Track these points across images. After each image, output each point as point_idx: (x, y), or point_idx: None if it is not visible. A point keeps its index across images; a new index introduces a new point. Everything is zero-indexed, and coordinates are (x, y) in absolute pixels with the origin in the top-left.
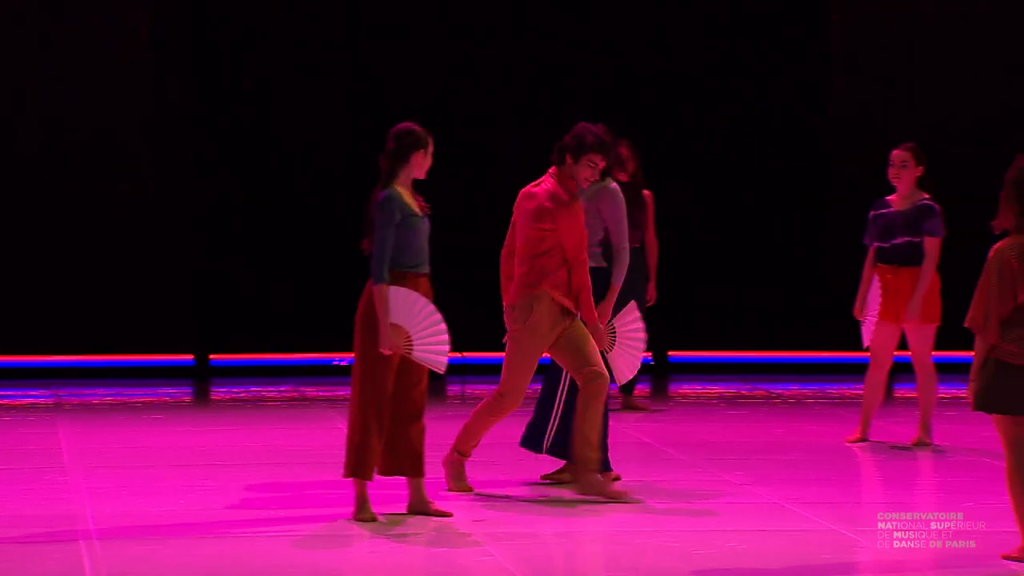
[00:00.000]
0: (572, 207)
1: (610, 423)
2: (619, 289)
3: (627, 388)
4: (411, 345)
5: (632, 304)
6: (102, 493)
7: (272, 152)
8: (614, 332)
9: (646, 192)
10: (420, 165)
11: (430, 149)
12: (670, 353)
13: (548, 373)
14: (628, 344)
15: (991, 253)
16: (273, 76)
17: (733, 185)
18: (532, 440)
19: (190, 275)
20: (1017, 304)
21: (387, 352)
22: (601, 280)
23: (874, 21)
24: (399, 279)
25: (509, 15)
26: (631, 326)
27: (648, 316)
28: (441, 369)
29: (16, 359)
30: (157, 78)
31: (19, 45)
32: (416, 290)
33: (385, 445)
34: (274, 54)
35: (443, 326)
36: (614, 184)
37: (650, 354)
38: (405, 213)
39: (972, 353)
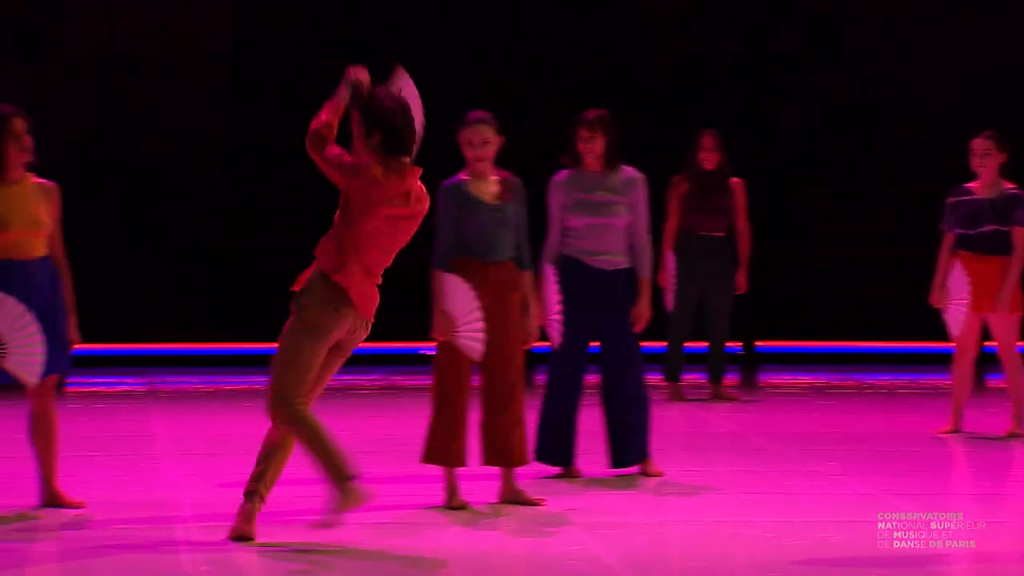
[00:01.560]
0: None
1: (685, 414)
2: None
3: (716, 378)
4: (456, 332)
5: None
6: (194, 480)
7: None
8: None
9: (735, 180)
10: (466, 149)
11: (472, 134)
12: (757, 343)
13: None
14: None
15: None
16: (273, 76)
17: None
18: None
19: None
20: None
21: (439, 338)
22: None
23: (874, 21)
24: (459, 267)
25: (509, 15)
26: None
27: (737, 305)
28: (476, 356)
29: (111, 347)
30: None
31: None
32: (485, 280)
33: (483, 435)
34: (274, 54)
35: (479, 313)
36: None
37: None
38: (465, 201)
39: None
